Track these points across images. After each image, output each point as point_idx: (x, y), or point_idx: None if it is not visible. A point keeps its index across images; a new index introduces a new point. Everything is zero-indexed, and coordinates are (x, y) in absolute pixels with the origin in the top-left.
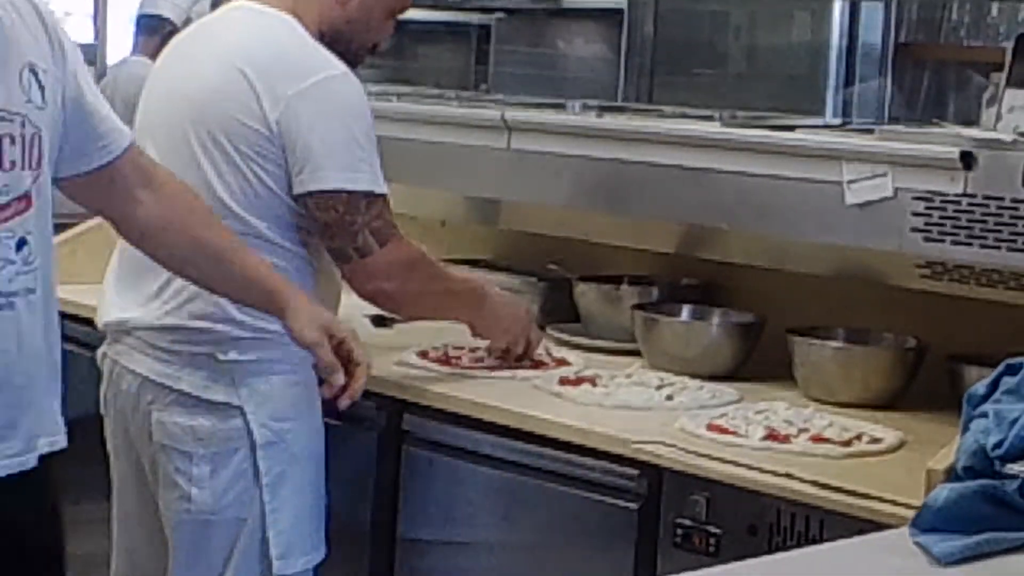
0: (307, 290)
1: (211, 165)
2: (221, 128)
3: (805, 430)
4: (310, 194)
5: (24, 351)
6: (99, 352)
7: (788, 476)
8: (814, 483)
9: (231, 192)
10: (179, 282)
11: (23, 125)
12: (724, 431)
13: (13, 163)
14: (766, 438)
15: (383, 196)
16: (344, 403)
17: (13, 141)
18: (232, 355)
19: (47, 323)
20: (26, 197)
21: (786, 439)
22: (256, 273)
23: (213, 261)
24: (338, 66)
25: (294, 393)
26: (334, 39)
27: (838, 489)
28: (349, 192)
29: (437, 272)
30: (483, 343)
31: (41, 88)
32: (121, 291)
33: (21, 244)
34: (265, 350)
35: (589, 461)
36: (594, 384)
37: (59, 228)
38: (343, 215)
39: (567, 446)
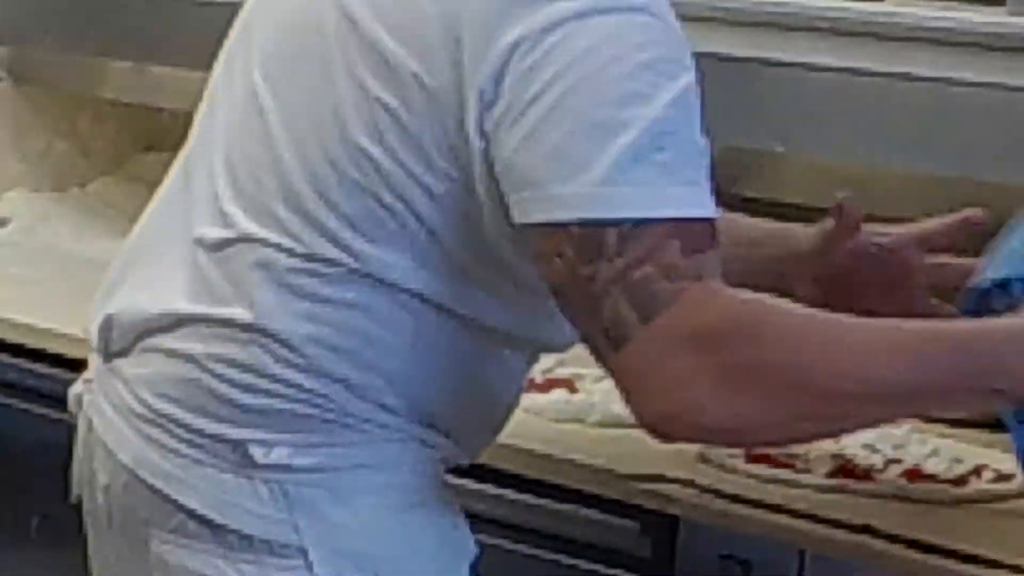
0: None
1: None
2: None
3: (896, 460)
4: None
5: None
6: (71, 393)
7: (867, 530)
8: (908, 542)
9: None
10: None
11: None
12: (773, 462)
13: None
14: (835, 473)
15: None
16: None
17: None
18: (277, 454)
19: None
20: None
21: (866, 475)
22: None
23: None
24: None
25: (396, 522)
26: None
27: (944, 551)
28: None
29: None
30: None
31: None
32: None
33: None
34: (339, 436)
35: (567, 509)
36: (572, 389)
37: None
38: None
39: (533, 486)
